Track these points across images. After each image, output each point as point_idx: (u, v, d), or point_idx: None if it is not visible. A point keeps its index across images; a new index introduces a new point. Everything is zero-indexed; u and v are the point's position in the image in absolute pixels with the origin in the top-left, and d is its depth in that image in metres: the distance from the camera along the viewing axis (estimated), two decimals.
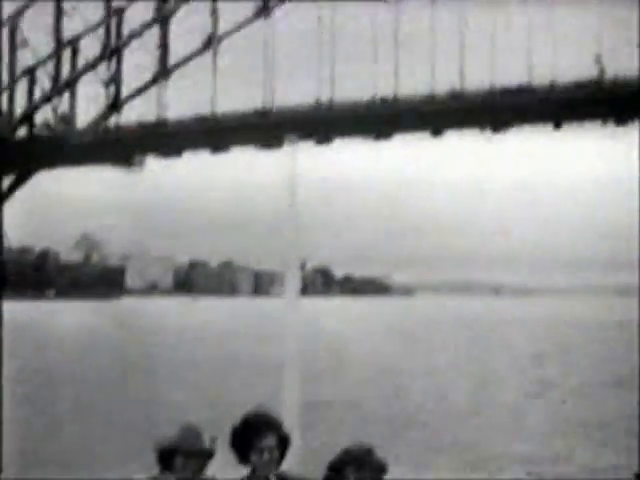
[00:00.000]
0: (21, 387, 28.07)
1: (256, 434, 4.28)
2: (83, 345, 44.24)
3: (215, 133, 20.52)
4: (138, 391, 26.19)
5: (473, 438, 19.34)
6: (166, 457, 4.35)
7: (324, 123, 18.81)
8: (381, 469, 4.17)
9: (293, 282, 5.12)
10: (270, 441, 4.28)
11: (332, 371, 31.28)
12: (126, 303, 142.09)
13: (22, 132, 23.04)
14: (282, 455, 4.37)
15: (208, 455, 4.37)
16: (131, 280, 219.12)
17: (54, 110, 22.78)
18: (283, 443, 4.36)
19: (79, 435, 19.28)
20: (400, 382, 29.86)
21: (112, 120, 22.08)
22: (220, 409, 18.06)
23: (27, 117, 22.81)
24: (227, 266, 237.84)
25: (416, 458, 16.42)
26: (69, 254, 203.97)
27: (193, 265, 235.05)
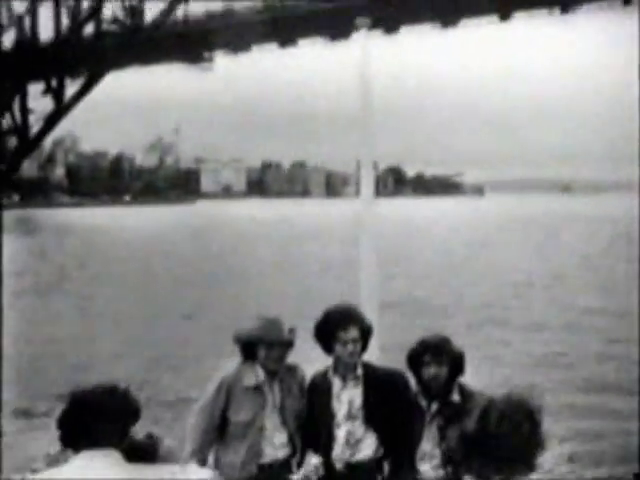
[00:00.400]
0: (105, 290, 29.11)
1: (339, 326, 4.44)
2: (160, 249, 45.39)
3: (283, 23, 20.29)
4: (218, 292, 26.89)
5: (545, 334, 19.32)
6: (248, 348, 4.55)
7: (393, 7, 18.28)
8: (458, 357, 4.25)
9: (367, 182, 5.11)
10: (353, 333, 4.44)
11: (406, 271, 31.44)
12: (201, 207, 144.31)
13: (89, 30, 22.95)
14: (364, 346, 4.52)
15: (288, 345, 4.55)
16: (205, 184, 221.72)
17: (123, 2, 22.71)
18: (365, 335, 4.51)
19: (162, 332, 20.01)
20: (473, 281, 29.88)
21: (179, 12, 21.89)
22: (298, 306, 18.45)
23: (94, 12, 22.83)
24: (299, 167, 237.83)
25: (491, 351, 16.62)
26: (143, 158, 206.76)
27: (265, 167, 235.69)
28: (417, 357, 4.25)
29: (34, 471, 2.74)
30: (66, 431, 2.69)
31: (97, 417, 2.65)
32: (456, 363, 4.24)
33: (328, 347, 4.52)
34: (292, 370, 4.66)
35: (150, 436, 2.84)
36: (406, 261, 35.06)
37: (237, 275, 32.05)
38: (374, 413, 4.48)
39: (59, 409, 2.72)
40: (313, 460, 4.63)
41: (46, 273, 32.66)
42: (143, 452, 2.75)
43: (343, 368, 4.53)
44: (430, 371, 4.19)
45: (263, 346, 4.47)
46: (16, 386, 14.05)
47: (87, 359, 16.23)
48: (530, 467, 2.86)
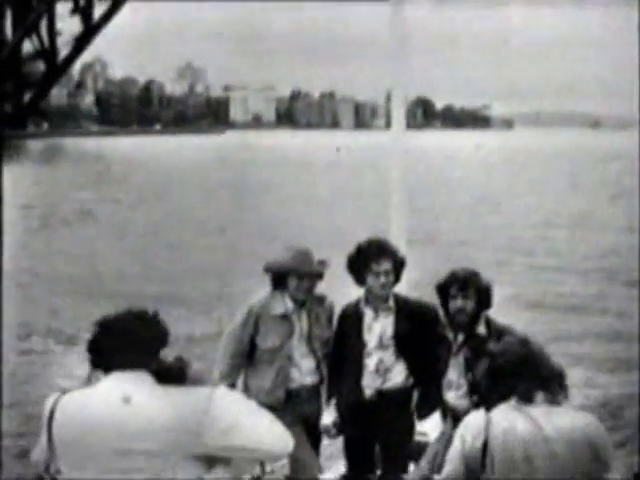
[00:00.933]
0: (136, 218, 29.32)
1: (372, 258, 4.48)
2: (191, 179, 45.49)
3: None
4: (248, 222, 26.97)
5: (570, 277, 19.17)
6: (278, 278, 4.60)
7: None
8: (486, 289, 4.27)
9: (398, 114, 5.00)
10: (386, 265, 4.48)
11: (437, 206, 31.24)
12: (230, 137, 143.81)
13: None
14: (397, 279, 4.57)
15: (317, 276, 4.59)
16: (234, 113, 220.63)
17: None
18: (398, 267, 4.55)
19: (195, 258, 20.21)
20: (505, 216, 29.66)
21: None
22: (326, 238, 18.53)
23: None
24: (328, 97, 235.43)
25: (520, 281, 16.65)
26: (173, 86, 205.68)
27: (295, 96, 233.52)
28: (445, 290, 4.28)
29: (64, 391, 2.79)
30: (96, 355, 2.72)
31: (126, 342, 2.68)
32: (483, 296, 4.25)
33: (360, 279, 4.57)
34: (320, 300, 4.71)
35: (179, 359, 2.87)
36: (434, 195, 34.85)
37: (266, 206, 32.09)
38: (405, 343, 4.54)
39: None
40: (325, 419, 4.69)
41: (75, 203, 32.88)
42: (172, 374, 2.79)
43: (375, 300, 4.58)
44: (457, 304, 4.22)
45: (293, 277, 4.52)
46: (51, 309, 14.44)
47: (121, 285, 16.48)
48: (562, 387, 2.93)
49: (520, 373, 2.93)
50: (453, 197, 35.37)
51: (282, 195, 35.32)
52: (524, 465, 2.77)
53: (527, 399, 2.91)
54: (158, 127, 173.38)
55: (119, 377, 2.67)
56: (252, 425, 2.65)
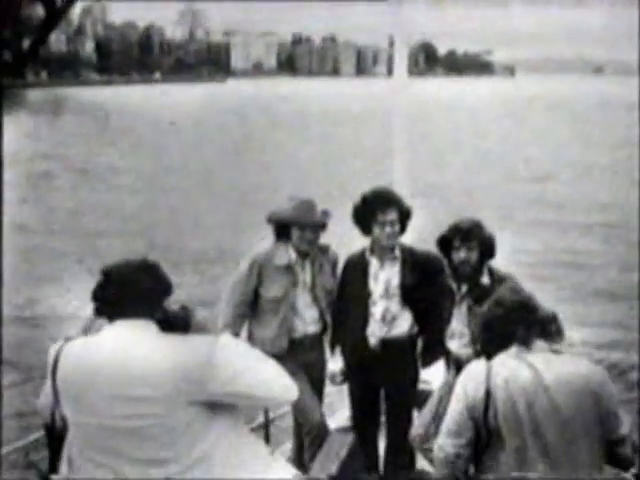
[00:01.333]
0: (138, 167, 29.24)
1: (378, 208, 4.46)
2: (192, 129, 45.20)
3: None
4: (249, 171, 26.89)
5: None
6: (281, 228, 4.59)
7: None
8: (489, 240, 4.26)
9: (401, 58, 4.90)
10: (391, 215, 4.46)
11: (440, 155, 31.06)
12: (232, 85, 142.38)
13: None
14: (403, 229, 4.56)
15: (321, 227, 4.58)
16: (235, 60, 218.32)
17: None
18: (404, 217, 4.54)
19: (192, 207, 20.22)
20: (507, 166, 29.50)
21: None
22: (331, 188, 18.53)
23: None
24: (330, 42, 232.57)
25: (523, 232, 16.68)
26: (174, 30, 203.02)
27: (296, 41, 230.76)
28: (448, 241, 4.26)
29: (68, 339, 2.81)
30: (100, 304, 2.74)
31: (129, 292, 2.69)
32: (486, 247, 4.23)
33: (366, 229, 4.55)
34: (324, 250, 4.70)
35: (184, 307, 2.89)
36: (436, 145, 34.64)
37: (268, 155, 31.97)
38: (410, 293, 4.55)
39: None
40: (331, 366, 4.72)
41: (77, 155, 32.75)
42: (176, 323, 2.80)
43: (380, 250, 4.57)
44: (460, 255, 4.20)
45: (296, 227, 4.51)
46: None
47: (120, 238, 16.51)
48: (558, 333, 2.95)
49: (516, 319, 2.95)
50: (454, 147, 35.11)
51: (283, 147, 35.15)
52: (526, 413, 2.78)
53: (526, 345, 2.92)
54: (158, 75, 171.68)
55: (122, 325, 2.69)
56: (256, 373, 2.67)
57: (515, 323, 2.95)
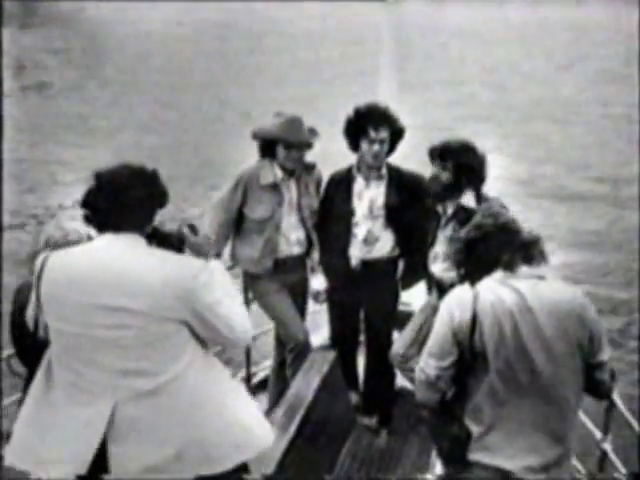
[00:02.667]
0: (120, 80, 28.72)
1: (370, 124, 4.37)
2: (179, 44, 44.17)
3: None
4: (234, 92, 26.46)
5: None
6: (267, 146, 4.51)
7: None
8: (468, 163, 4.17)
9: None
10: (382, 133, 4.38)
11: (435, 79, 30.58)
12: (218, 5, 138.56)
13: None
14: (392, 148, 4.49)
15: (307, 145, 4.49)
16: None
17: None
18: (395, 137, 4.46)
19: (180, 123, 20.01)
20: (506, 92, 29.12)
21: None
22: (315, 110, 18.24)
23: None
24: None
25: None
26: None
27: None
28: (432, 155, 4.21)
29: (54, 249, 2.79)
30: (90, 211, 2.69)
31: (120, 199, 2.64)
32: (465, 172, 4.15)
33: (355, 144, 4.48)
34: (309, 169, 4.64)
35: (191, 225, 2.87)
36: (433, 68, 34.09)
37: (256, 72, 31.42)
38: (395, 213, 4.51)
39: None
40: (315, 285, 4.70)
41: (54, 68, 32.02)
42: (170, 241, 2.77)
43: (366, 168, 4.50)
44: (433, 169, 4.16)
45: (282, 145, 4.43)
46: None
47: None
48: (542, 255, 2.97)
49: (497, 243, 2.96)
50: (451, 70, 34.51)
51: (268, 69, 34.53)
52: (512, 335, 2.81)
53: (511, 269, 2.93)
54: None
55: (111, 237, 2.66)
56: (228, 309, 2.68)
57: (497, 247, 2.95)
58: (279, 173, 4.51)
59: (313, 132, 4.49)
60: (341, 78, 29.15)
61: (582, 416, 4.24)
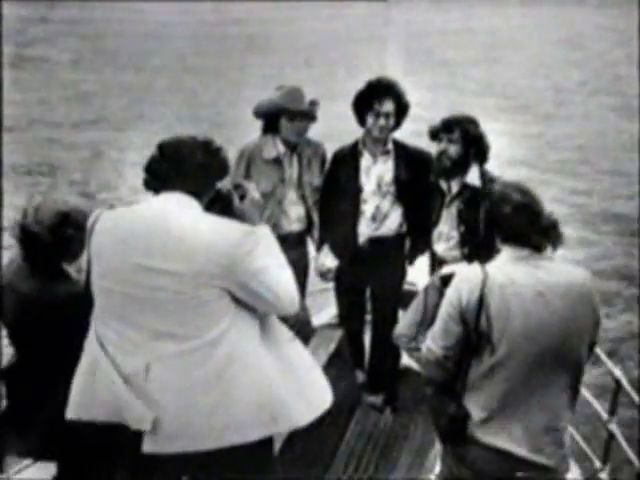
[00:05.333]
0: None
1: (376, 97, 4.35)
2: (166, 45, 44.18)
3: None
4: (225, 92, 26.52)
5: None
6: (269, 120, 4.49)
7: None
8: (476, 137, 4.18)
9: None
10: (387, 106, 4.36)
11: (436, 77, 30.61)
12: (214, 5, 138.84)
13: None
14: (398, 123, 4.45)
15: (309, 117, 4.47)
16: None
17: None
18: (400, 112, 4.43)
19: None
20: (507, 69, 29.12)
21: None
22: (324, 80, 18.19)
23: None
24: None
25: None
26: None
27: None
28: (436, 132, 4.20)
29: (110, 206, 2.79)
30: (150, 177, 2.70)
31: (181, 167, 2.65)
32: (473, 143, 4.16)
33: (362, 118, 4.45)
34: (313, 146, 4.61)
35: (238, 186, 2.85)
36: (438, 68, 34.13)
37: (263, 49, 31.44)
38: (403, 189, 4.47)
39: None
40: (326, 262, 4.63)
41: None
42: (217, 203, 2.76)
43: (373, 142, 4.47)
44: (441, 146, 4.15)
45: (285, 117, 4.40)
46: None
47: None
48: (558, 237, 2.90)
49: (520, 221, 2.87)
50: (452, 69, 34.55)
51: (271, 68, 34.56)
52: (521, 318, 2.76)
53: (538, 250, 2.86)
54: None
55: (166, 197, 2.66)
56: (275, 277, 2.65)
57: (519, 226, 2.87)
58: (282, 147, 4.48)
59: (314, 104, 4.46)
60: (348, 77, 29.23)
61: (588, 397, 4.23)
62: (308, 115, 4.44)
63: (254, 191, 2.88)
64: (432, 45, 33.88)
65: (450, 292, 2.90)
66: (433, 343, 2.93)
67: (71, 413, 2.72)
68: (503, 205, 2.89)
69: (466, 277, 2.86)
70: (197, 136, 2.73)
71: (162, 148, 2.69)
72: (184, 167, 2.66)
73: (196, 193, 2.68)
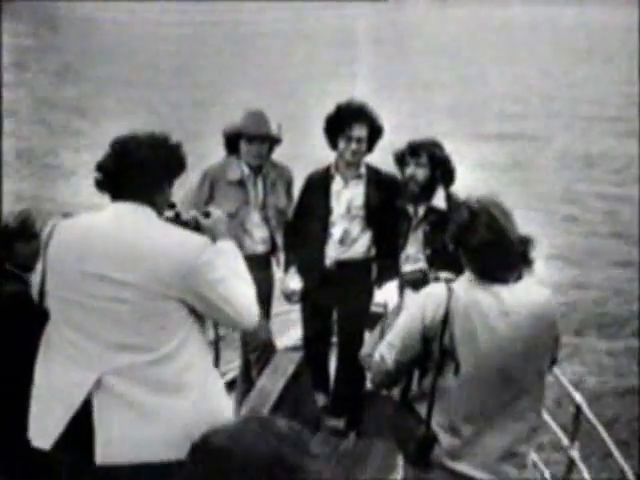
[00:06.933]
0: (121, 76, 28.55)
1: (348, 121, 4.32)
2: (141, 45, 43.94)
3: None
4: (205, 87, 26.39)
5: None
6: (232, 142, 4.48)
7: None
8: (443, 160, 4.18)
9: None
10: (360, 131, 4.33)
11: (421, 78, 30.60)
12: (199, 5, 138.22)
13: None
14: (370, 147, 4.43)
15: (272, 140, 4.46)
16: None
17: None
18: (373, 136, 4.40)
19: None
20: (473, 88, 29.24)
21: None
22: (292, 109, 18.24)
23: None
24: None
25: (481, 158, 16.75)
26: None
27: None
28: (401, 157, 4.19)
29: (66, 216, 2.74)
30: (102, 176, 2.64)
31: (129, 160, 2.60)
32: (440, 166, 4.15)
33: (333, 142, 4.43)
34: (279, 168, 4.60)
35: (207, 213, 2.83)
36: (418, 65, 34.07)
37: (238, 71, 31.35)
38: (372, 213, 4.45)
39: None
40: (291, 285, 4.61)
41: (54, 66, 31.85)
42: (189, 228, 2.73)
43: (345, 166, 4.45)
44: (409, 171, 4.14)
45: (244, 139, 4.39)
46: None
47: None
48: (527, 262, 2.87)
49: (489, 254, 2.80)
50: (435, 68, 34.56)
51: (243, 66, 34.45)
52: (485, 337, 2.75)
53: (495, 279, 2.81)
54: None
55: (121, 206, 2.62)
56: (234, 290, 2.63)
57: (485, 263, 2.82)
58: (246, 170, 4.47)
59: (279, 127, 4.44)
60: (319, 77, 29.19)
61: (551, 423, 4.25)
62: (268, 138, 4.42)
63: (217, 210, 2.88)
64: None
65: (413, 307, 2.88)
66: (388, 354, 2.90)
67: (37, 441, 2.65)
68: (470, 237, 2.80)
69: (431, 294, 2.84)
70: (153, 132, 2.68)
71: (113, 145, 2.65)
72: (130, 161, 2.60)
73: (147, 192, 2.63)
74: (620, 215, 13.63)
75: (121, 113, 20.75)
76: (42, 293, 2.69)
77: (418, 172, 4.11)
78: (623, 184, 15.59)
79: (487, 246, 2.77)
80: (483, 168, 15.36)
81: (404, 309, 2.98)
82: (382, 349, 2.93)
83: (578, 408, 3.87)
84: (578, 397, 3.94)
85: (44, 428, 2.61)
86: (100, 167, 2.64)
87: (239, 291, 2.65)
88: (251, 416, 2.34)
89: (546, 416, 4.33)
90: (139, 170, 2.61)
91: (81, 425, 2.56)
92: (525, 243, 2.83)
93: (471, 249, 2.81)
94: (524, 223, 2.91)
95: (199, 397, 2.61)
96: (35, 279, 2.76)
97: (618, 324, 9.35)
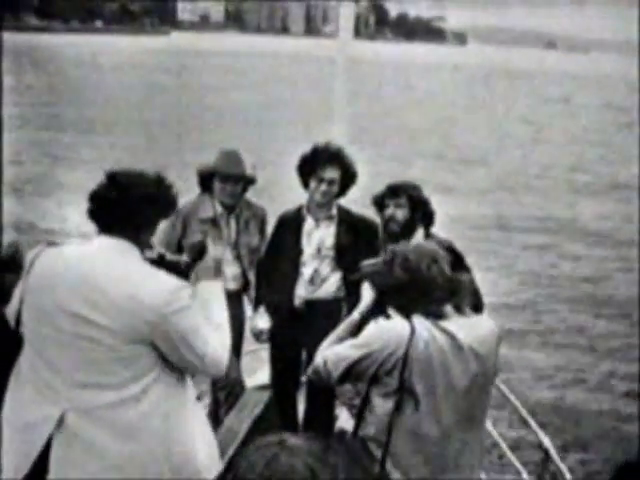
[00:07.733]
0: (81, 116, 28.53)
1: (319, 162, 4.33)
2: (135, 82, 44.20)
3: None
4: (185, 130, 26.45)
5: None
6: (206, 180, 4.49)
7: None
8: (421, 201, 4.20)
9: (347, 16, 4.76)
10: (331, 173, 4.34)
11: (383, 123, 30.89)
12: (177, 38, 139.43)
13: None
14: (343, 191, 4.45)
15: (247, 180, 4.48)
16: (182, 12, 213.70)
17: None
18: (347, 179, 4.41)
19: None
20: (460, 134, 29.57)
21: None
22: (266, 147, 18.33)
23: None
24: None
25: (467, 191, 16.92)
26: None
27: None
28: (380, 199, 4.22)
29: (50, 245, 2.72)
30: (95, 207, 2.63)
31: (123, 195, 2.59)
32: (419, 207, 4.18)
33: (305, 182, 4.45)
34: (252, 207, 4.63)
35: (195, 256, 2.87)
36: (388, 109, 34.51)
37: (211, 111, 31.51)
38: (343, 255, 4.46)
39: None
40: (259, 324, 4.60)
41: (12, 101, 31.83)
42: (178, 269, 2.74)
43: (316, 207, 4.47)
44: (389, 211, 4.16)
45: (218, 178, 4.41)
46: None
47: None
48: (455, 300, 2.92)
49: (437, 297, 2.86)
50: (401, 116, 35.02)
51: (227, 101, 34.66)
52: (441, 374, 2.78)
53: (440, 316, 2.87)
54: (100, 24, 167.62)
55: (105, 242, 2.61)
56: (206, 339, 2.62)
57: (435, 301, 2.87)
58: (219, 208, 4.48)
59: (254, 167, 4.46)
60: (295, 117, 29.39)
61: (517, 465, 4.24)
62: (242, 178, 4.43)
63: (212, 249, 2.90)
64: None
65: (372, 338, 2.83)
66: (332, 367, 2.88)
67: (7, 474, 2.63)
68: (387, 278, 2.92)
69: (394, 330, 2.82)
70: (148, 171, 2.70)
71: (112, 177, 2.63)
72: (125, 196, 2.59)
73: (138, 230, 2.63)
74: None
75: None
76: (18, 319, 2.67)
77: (397, 212, 4.14)
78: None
79: (403, 286, 2.86)
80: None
81: (361, 336, 2.94)
82: (330, 355, 2.91)
83: (546, 452, 3.84)
84: (546, 441, 3.89)
85: (14, 462, 2.59)
86: (94, 197, 2.63)
87: (209, 340, 2.63)
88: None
89: (513, 459, 4.34)
90: (135, 205, 2.60)
91: (43, 462, 2.54)
92: (454, 282, 2.89)
93: (389, 289, 2.93)
94: None
95: (159, 444, 2.58)
96: (13, 304, 2.73)
97: None
